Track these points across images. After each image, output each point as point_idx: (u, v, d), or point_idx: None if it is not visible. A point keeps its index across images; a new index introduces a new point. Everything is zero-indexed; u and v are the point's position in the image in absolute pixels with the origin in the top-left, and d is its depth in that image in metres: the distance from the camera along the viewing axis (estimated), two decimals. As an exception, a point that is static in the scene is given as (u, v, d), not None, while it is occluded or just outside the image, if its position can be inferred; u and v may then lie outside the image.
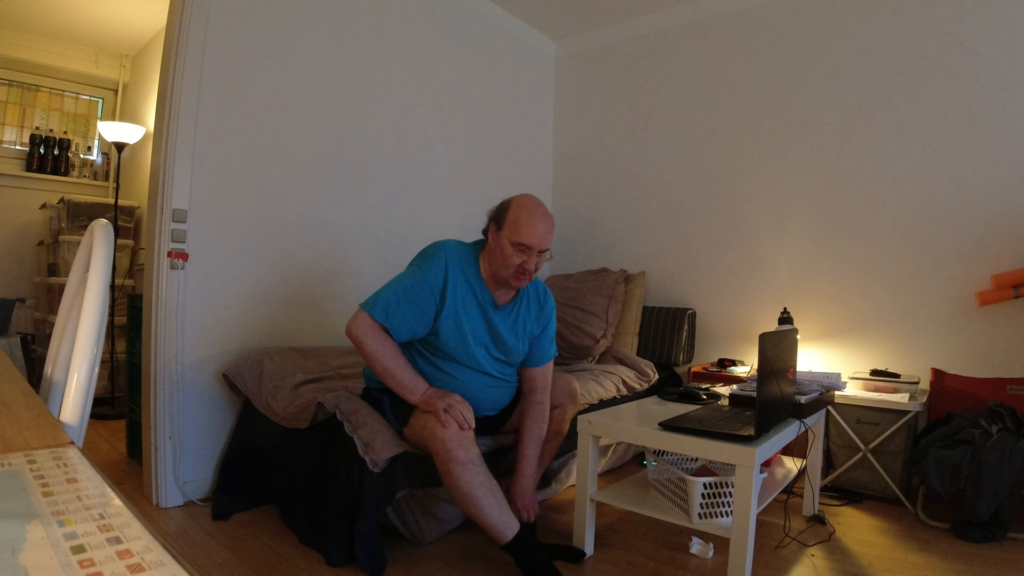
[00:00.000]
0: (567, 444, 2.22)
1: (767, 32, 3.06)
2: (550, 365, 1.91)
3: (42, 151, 4.00)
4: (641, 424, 1.75)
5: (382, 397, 1.83)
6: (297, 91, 2.48)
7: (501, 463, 1.96)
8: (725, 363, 2.94)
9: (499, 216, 1.72)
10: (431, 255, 1.72)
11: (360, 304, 1.68)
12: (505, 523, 1.61)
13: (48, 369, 0.97)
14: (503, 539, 1.61)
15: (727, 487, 1.61)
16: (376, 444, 1.66)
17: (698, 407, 1.94)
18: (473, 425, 1.64)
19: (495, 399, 1.87)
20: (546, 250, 1.71)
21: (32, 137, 3.99)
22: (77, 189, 4.09)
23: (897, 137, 2.69)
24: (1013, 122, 2.43)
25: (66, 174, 4.09)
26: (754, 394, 1.79)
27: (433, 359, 1.77)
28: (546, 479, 2.31)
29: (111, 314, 3.33)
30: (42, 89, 4.13)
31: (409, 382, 1.68)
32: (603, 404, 2.42)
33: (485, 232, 1.78)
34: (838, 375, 2.20)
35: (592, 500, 1.81)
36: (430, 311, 1.69)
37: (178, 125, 2.10)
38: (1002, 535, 1.95)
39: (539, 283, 1.92)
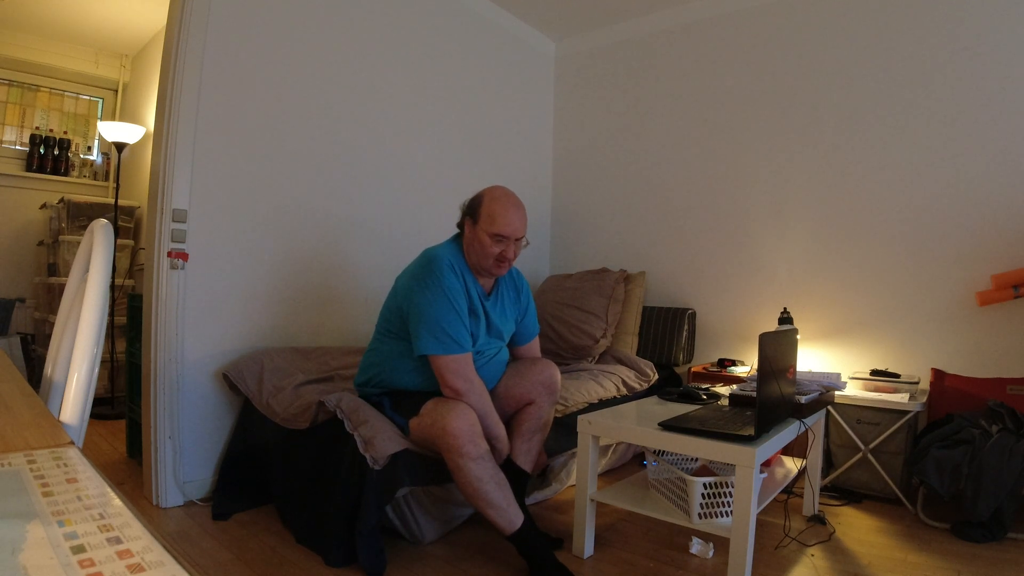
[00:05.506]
0: (567, 442, 2.23)
1: (767, 32, 3.06)
2: (536, 340, 2.08)
3: (42, 151, 4.00)
4: (641, 424, 1.75)
5: (381, 399, 1.85)
6: (297, 92, 2.48)
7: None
8: (725, 363, 2.94)
9: (473, 210, 1.79)
10: (436, 268, 1.73)
11: (427, 352, 1.70)
12: (512, 514, 1.65)
13: (48, 369, 0.96)
14: (509, 530, 1.65)
15: (727, 487, 1.61)
16: (377, 441, 1.66)
17: (698, 407, 1.94)
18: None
19: (496, 372, 1.94)
20: (522, 237, 1.78)
21: (32, 137, 3.99)
22: (77, 189, 4.09)
23: (897, 137, 2.69)
24: (1012, 122, 2.43)
25: (66, 174, 4.09)
26: (754, 394, 1.79)
27: None
28: (546, 479, 2.31)
29: (111, 314, 3.33)
30: (42, 89, 4.13)
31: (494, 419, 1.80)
32: (603, 404, 2.42)
33: (460, 225, 1.84)
34: (838, 375, 2.19)
35: (592, 500, 1.81)
36: (467, 317, 1.78)
37: (178, 125, 2.10)
38: (1002, 535, 1.95)
39: (512, 268, 1.99)
